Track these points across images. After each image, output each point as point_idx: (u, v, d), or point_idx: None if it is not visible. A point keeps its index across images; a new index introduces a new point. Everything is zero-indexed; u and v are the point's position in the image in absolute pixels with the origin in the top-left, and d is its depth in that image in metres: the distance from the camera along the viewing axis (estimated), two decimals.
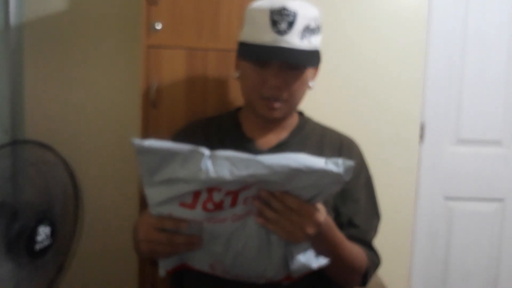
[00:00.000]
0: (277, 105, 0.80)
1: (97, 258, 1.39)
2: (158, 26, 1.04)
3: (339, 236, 0.73)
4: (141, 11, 1.04)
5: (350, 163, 0.59)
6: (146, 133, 1.06)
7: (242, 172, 0.58)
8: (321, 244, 0.68)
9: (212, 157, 0.59)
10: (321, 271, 0.78)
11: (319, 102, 1.42)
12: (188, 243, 0.64)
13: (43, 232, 1.05)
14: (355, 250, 0.79)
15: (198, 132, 0.89)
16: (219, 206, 0.62)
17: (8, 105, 1.30)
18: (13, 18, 1.29)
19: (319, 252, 0.68)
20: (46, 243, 1.06)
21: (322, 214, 0.64)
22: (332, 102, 1.44)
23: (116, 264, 1.39)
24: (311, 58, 0.79)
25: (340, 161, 0.59)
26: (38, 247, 1.04)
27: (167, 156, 0.60)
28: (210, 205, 0.61)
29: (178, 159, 0.60)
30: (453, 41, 1.46)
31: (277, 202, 0.60)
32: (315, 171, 0.58)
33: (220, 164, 0.59)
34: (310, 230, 0.62)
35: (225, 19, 1.06)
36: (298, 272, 0.67)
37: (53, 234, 1.08)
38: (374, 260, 0.84)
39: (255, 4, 0.80)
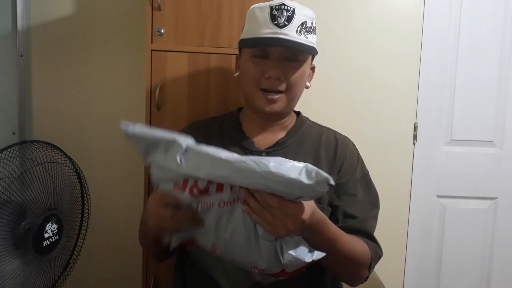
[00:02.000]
0: (276, 97, 0.82)
1: (103, 255, 1.42)
2: (162, 31, 1.08)
3: (335, 231, 0.72)
4: (145, 16, 1.07)
5: (324, 176, 0.55)
6: None
7: (216, 172, 0.57)
8: (315, 240, 0.67)
9: (190, 151, 0.59)
10: (323, 268, 0.79)
11: (316, 104, 1.45)
12: (190, 220, 0.65)
13: (50, 229, 1.08)
14: (355, 244, 0.77)
15: (200, 131, 0.92)
16: (205, 191, 0.62)
17: (16, 106, 1.33)
18: (20, 22, 1.32)
19: (314, 247, 0.66)
20: (53, 239, 1.09)
21: (306, 212, 0.61)
22: (329, 104, 1.47)
23: (121, 260, 1.42)
24: (308, 50, 0.82)
25: (314, 173, 0.55)
26: (45, 243, 1.06)
27: (152, 143, 0.61)
28: (195, 191, 0.61)
29: (161, 147, 0.61)
30: (446, 45, 1.50)
31: (260, 196, 0.59)
32: (287, 181, 0.55)
33: (196, 159, 0.58)
34: (292, 227, 0.60)
35: (226, 24, 1.09)
36: (291, 266, 0.65)
37: (60, 231, 1.11)
38: (378, 252, 0.83)
39: (256, 5, 0.85)
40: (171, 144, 0.60)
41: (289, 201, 0.59)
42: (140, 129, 0.61)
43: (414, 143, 1.52)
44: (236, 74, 0.91)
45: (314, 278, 0.82)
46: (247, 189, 0.60)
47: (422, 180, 1.53)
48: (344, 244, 0.73)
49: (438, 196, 1.55)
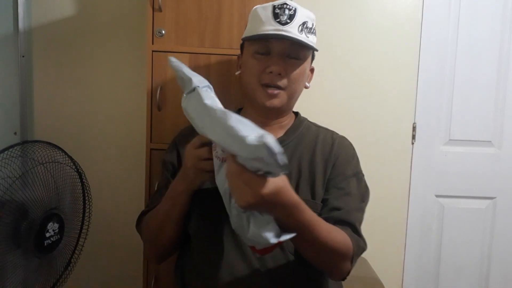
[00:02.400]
0: (276, 92, 0.84)
1: (104, 254, 1.43)
2: (163, 32, 1.08)
3: (310, 218, 0.69)
4: (146, 17, 1.08)
5: (264, 141, 0.53)
6: (152, 134, 1.10)
7: (201, 117, 0.69)
8: (287, 222, 0.65)
9: (195, 92, 0.71)
10: (303, 259, 0.76)
11: (315, 105, 1.46)
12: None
13: (52, 228, 1.08)
14: (335, 234, 0.74)
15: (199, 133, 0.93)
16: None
17: (18, 107, 1.34)
18: (22, 23, 1.33)
19: (287, 231, 0.63)
20: (54, 239, 1.10)
21: (267, 187, 0.59)
22: (328, 105, 1.48)
23: (122, 260, 1.42)
24: (309, 46, 0.85)
25: (264, 137, 0.53)
26: (46, 243, 1.07)
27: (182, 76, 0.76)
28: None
29: (185, 79, 0.74)
30: (445, 45, 1.50)
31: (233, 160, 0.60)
32: (237, 137, 0.56)
33: (194, 100, 0.70)
34: (250, 199, 0.59)
35: (226, 25, 1.10)
36: (257, 244, 0.63)
37: (61, 230, 1.12)
38: (360, 245, 0.80)
39: (259, 5, 0.88)
40: (188, 81, 0.73)
41: (249, 171, 0.58)
42: (177, 63, 0.78)
43: (412, 143, 1.53)
44: (237, 73, 0.93)
45: (312, 275, 0.83)
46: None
47: (421, 180, 1.54)
48: (320, 232, 0.71)
49: (437, 196, 1.56)
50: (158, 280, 1.12)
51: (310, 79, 0.94)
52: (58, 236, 1.11)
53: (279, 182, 0.62)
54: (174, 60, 0.79)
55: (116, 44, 1.39)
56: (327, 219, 0.76)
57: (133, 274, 1.35)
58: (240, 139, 0.55)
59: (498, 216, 1.57)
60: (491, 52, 1.51)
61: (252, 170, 0.59)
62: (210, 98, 0.69)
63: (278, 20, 0.82)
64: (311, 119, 0.98)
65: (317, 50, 0.89)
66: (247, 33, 0.88)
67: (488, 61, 1.52)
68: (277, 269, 0.80)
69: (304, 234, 0.68)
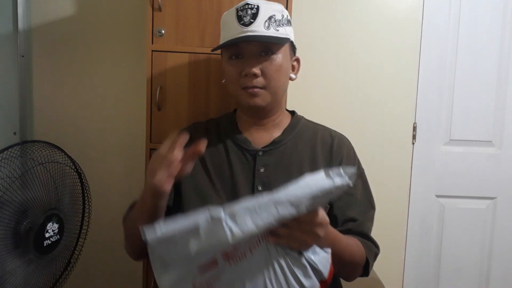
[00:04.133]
0: (256, 90, 0.84)
1: (104, 254, 1.43)
2: (162, 32, 1.08)
3: (334, 232, 0.75)
4: (146, 17, 1.07)
5: (351, 170, 0.60)
6: (151, 134, 1.10)
7: (266, 220, 0.57)
8: (322, 244, 0.69)
9: (231, 217, 0.57)
10: None
11: (315, 104, 1.46)
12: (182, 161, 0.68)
13: (51, 228, 1.08)
14: (352, 245, 0.80)
15: (200, 132, 0.93)
16: (238, 244, 0.61)
17: (17, 106, 1.34)
18: (21, 23, 1.33)
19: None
20: (54, 239, 1.09)
21: (325, 215, 0.65)
22: (328, 103, 1.47)
23: (122, 260, 1.41)
24: (277, 40, 0.83)
25: (342, 171, 0.60)
26: (46, 243, 1.07)
27: (185, 236, 0.58)
28: (229, 249, 0.61)
29: (196, 233, 0.57)
30: (445, 43, 1.50)
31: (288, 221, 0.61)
32: (329, 191, 0.59)
33: (241, 218, 0.57)
34: (321, 232, 0.63)
35: None
36: (323, 267, 0.67)
37: (60, 230, 1.11)
38: (373, 250, 0.87)
39: (226, 12, 0.89)
40: (208, 224, 0.58)
41: (316, 212, 0.63)
42: (167, 227, 0.58)
43: (413, 143, 1.53)
44: (223, 81, 0.93)
45: None
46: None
47: (421, 180, 1.54)
48: (341, 244, 0.76)
49: (437, 196, 1.55)
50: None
51: (297, 70, 0.93)
52: (58, 236, 1.11)
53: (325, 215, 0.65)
54: (161, 229, 0.59)
55: (115, 44, 1.39)
56: (342, 232, 0.80)
57: (132, 275, 1.35)
58: (334, 188, 0.59)
59: (498, 216, 1.56)
60: (492, 52, 1.51)
61: (314, 207, 0.62)
62: (251, 202, 0.59)
63: (242, 22, 0.82)
64: (312, 119, 0.98)
65: (291, 41, 0.88)
66: (220, 41, 0.89)
67: (488, 61, 1.51)
68: None
69: (332, 249, 0.71)
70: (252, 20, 0.82)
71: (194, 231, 0.58)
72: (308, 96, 1.45)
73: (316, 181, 0.59)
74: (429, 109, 1.52)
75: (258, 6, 0.83)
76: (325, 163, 0.87)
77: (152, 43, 1.08)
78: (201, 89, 1.10)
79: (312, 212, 0.62)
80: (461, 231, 1.55)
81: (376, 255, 0.88)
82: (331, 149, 0.89)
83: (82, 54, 1.39)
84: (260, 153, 0.87)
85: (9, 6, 1.31)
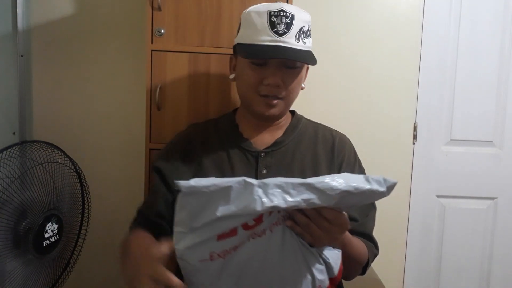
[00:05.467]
0: (275, 102, 0.83)
1: (103, 255, 1.42)
2: (162, 31, 1.08)
3: (349, 236, 0.76)
4: (145, 16, 1.07)
5: (393, 181, 0.61)
6: (151, 134, 1.10)
7: (296, 198, 0.58)
8: (335, 244, 0.71)
9: (262, 186, 0.58)
10: None
11: (316, 104, 1.46)
12: None
13: (51, 229, 1.08)
14: (360, 247, 0.82)
15: (198, 135, 0.92)
16: (259, 220, 0.62)
17: (16, 106, 1.33)
18: (21, 22, 1.32)
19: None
20: (53, 239, 1.09)
21: (347, 217, 0.65)
22: (329, 105, 1.47)
23: None
24: (308, 57, 0.82)
25: (382, 179, 0.61)
26: (45, 243, 1.07)
27: (216, 193, 0.57)
28: (250, 221, 0.61)
29: (227, 194, 0.58)
30: (446, 44, 1.50)
31: (312, 211, 0.62)
32: (363, 192, 0.59)
33: (272, 193, 0.58)
34: (339, 234, 0.64)
35: (226, 24, 1.09)
36: (335, 264, 0.70)
37: (60, 231, 1.11)
38: (374, 251, 0.88)
39: (252, 8, 0.83)
40: (240, 187, 0.58)
41: (341, 213, 0.63)
42: (202, 180, 0.58)
43: (413, 143, 1.53)
44: (231, 76, 0.90)
45: None
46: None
47: (422, 180, 1.53)
48: (352, 247, 0.78)
49: (438, 196, 1.55)
50: None
51: (305, 78, 0.92)
52: (57, 236, 1.11)
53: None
54: (196, 181, 0.58)
55: (115, 43, 1.39)
56: None
57: None
58: (369, 191, 0.60)
59: (499, 216, 1.56)
60: (492, 52, 1.51)
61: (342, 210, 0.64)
62: (286, 180, 0.59)
63: (275, 30, 0.78)
64: (312, 119, 0.98)
65: (314, 61, 0.85)
66: (242, 39, 0.84)
67: (489, 61, 1.51)
68: None
69: (343, 251, 0.73)
70: (285, 30, 0.78)
71: (226, 190, 0.58)
72: (308, 96, 1.45)
73: (355, 179, 0.60)
74: (430, 109, 1.52)
75: (293, 15, 0.79)
76: (326, 162, 0.87)
77: (152, 43, 1.08)
78: (201, 89, 1.10)
79: (337, 212, 0.62)
80: (462, 231, 1.55)
81: (375, 256, 0.89)
82: (333, 148, 0.89)
83: (82, 53, 1.39)
84: (262, 154, 0.86)
85: (8, 5, 1.31)
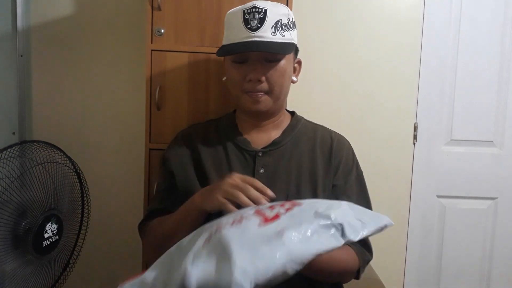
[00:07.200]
0: (260, 97, 0.84)
1: (103, 255, 1.42)
2: (162, 31, 1.08)
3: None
4: (145, 16, 1.07)
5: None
6: (151, 134, 1.10)
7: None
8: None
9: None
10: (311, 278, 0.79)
11: (315, 103, 1.46)
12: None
13: (50, 229, 1.08)
14: (344, 255, 0.78)
15: (199, 133, 0.94)
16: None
17: (16, 106, 1.33)
18: (20, 22, 1.33)
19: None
20: (53, 240, 1.09)
21: None
22: (328, 103, 1.47)
23: (121, 260, 1.42)
24: (283, 48, 0.82)
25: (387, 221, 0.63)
26: (45, 243, 1.06)
27: None
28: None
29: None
30: (446, 43, 1.50)
31: None
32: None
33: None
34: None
35: None
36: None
37: (59, 231, 1.11)
38: (365, 257, 0.85)
39: (231, 10, 0.86)
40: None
41: None
42: None
43: (414, 143, 1.52)
44: (224, 79, 0.92)
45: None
46: None
47: (422, 180, 1.53)
48: (334, 259, 0.75)
49: (438, 196, 1.55)
50: None
51: (298, 72, 0.93)
52: (57, 237, 1.10)
53: None
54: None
55: (115, 43, 1.39)
56: None
57: (132, 274, 1.35)
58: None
59: (499, 216, 1.56)
60: (493, 51, 1.51)
61: None
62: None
63: (249, 26, 0.81)
64: (312, 119, 0.98)
65: (294, 49, 0.87)
66: (224, 41, 0.87)
67: (489, 61, 1.51)
68: None
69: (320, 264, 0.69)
70: (259, 25, 0.80)
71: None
72: (308, 96, 1.45)
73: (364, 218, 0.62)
74: (430, 109, 1.52)
75: (265, 10, 0.81)
76: (324, 163, 0.87)
77: (152, 43, 1.08)
78: (200, 88, 1.10)
79: None
80: (462, 231, 1.55)
81: (368, 261, 0.86)
82: (331, 150, 0.89)
83: (81, 53, 1.39)
84: (260, 153, 0.87)
85: (8, 5, 1.31)
